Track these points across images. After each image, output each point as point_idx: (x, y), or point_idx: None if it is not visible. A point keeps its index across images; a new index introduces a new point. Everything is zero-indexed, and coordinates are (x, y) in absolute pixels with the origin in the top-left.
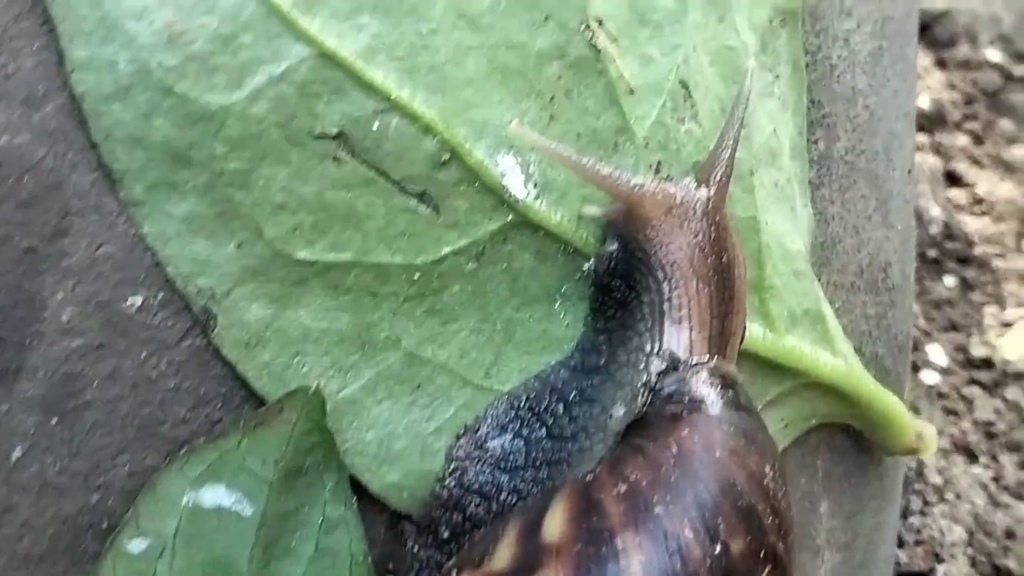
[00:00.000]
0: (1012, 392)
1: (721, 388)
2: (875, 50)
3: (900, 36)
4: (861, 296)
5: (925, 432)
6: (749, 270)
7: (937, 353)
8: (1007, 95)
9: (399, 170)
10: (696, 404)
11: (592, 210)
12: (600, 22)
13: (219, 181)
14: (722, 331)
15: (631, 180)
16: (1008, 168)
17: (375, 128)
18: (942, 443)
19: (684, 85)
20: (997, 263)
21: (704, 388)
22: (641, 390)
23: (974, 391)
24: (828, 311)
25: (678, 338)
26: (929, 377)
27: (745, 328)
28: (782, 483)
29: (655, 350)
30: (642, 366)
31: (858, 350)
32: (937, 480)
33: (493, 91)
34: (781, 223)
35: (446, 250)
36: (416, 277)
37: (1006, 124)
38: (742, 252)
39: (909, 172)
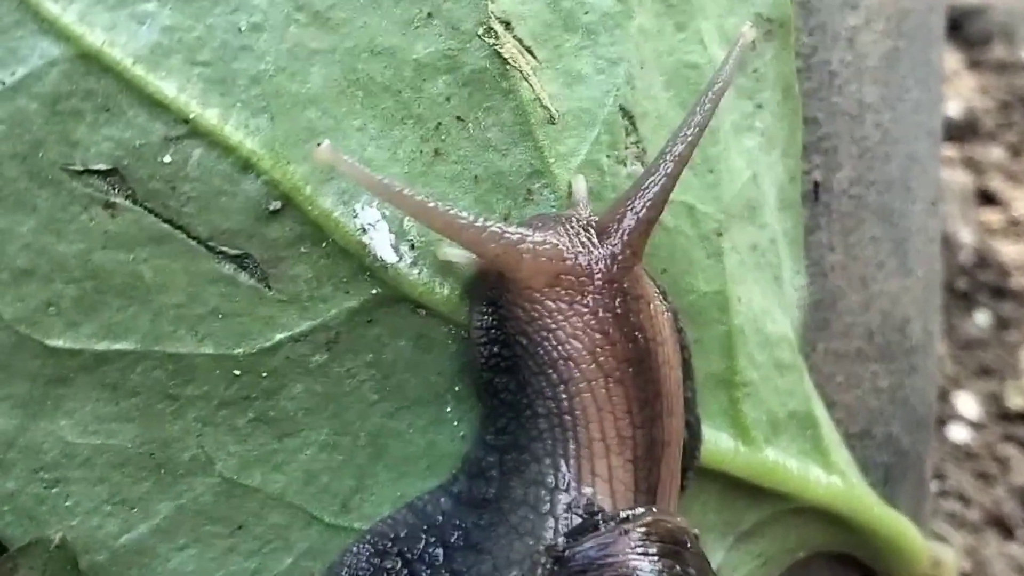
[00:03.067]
0: None
1: (662, 559)
2: (889, 53)
3: (922, 35)
4: (871, 366)
5: (943, 557)
6: (716, 361)
7: (967, 404)
8: None
9: (207, 223)
10: None
11: (451, 255)
12: (507, 24)
13: None
14: (651, 448)
15: (502, 232)
16: None
17: (167, 161)
18: (972, 516)
19: (626, 113)
20: None
21: (635, 559)
22: (543, 558)
23: (1010, 450)
24: (821, 412)
25: (591, 470)
26: (958, 433)
27: (697, 439)
28: None
29: (560, 485)
30: (545, 508)
31: (866, 434)
32: (966, 565)
33: (350, 114)
34: (759, 299)
35: (281, 336)
36: (236, 374)
37: None
38: (667, 326)
39: (934, 204)
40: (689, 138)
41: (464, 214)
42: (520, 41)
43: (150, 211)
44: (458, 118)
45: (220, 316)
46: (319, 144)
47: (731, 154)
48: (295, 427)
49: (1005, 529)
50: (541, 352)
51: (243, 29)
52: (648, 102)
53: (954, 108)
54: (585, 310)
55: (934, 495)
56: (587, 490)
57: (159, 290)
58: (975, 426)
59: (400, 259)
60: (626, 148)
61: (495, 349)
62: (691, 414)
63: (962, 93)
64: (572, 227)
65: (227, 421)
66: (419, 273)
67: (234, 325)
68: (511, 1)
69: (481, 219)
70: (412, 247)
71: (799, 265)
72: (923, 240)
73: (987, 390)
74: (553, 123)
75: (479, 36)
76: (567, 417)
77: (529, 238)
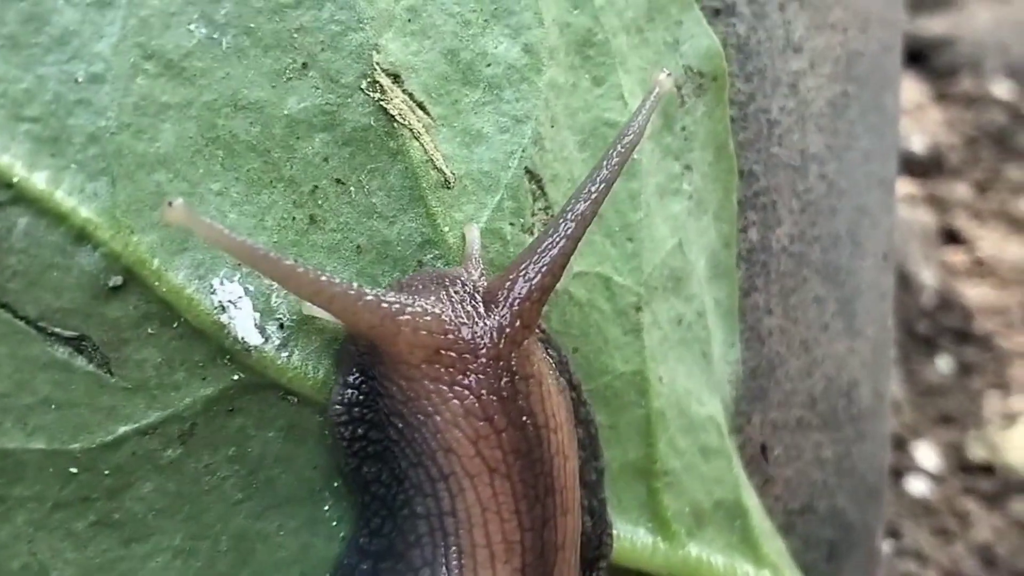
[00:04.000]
0: (1017, 506)
1: None
2: (836, 99)
3: (875, 78)
4: (813, 435)
5: None
6: (633, 449)
7: (926, 455)
8: (1016, 137)
9: (36, 301)
10: None
11: (315, 311)
12: (396, 77)
13: None
14: (542, 555)
15: (378, 300)
16: (1016, 224)
17: None
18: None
19: (533, 176)
20: (1000, 341)
21: None
22: None
23: (970, 504)
24: (751, 500)
25: None
26: (916, 486)
27: (603, 529)
28: None
29: None
30: None
31: (808, 508)
32: None
33: (208, 176)
34: (684, 378)
35: (125, 428)
36: (73, 472)
37: (1014, 172)
38: (561, 410)
39: (886, 259)
40: (594, 195)
41: (336, 281)
42: (411, 96)
43: None
44: (337, 181)
45: (53, 406)
46: (170, 203)
47: (654, 220)
48: (144, 531)
49: None
50: (419, 439)
51: (80, 80)
52: (559, 164)
53: (918, 143)
54: (467, 392)
55: (890, 555)
56: None
57: None
58: (934, 478)
59: (266, 341)
60: (533, 215)
61: (360, 431)
62: (595, 498)
63: (927, 128)
64: (457, 293)
65: (63, 525)
66: (289, 356)
67: (70, 416)
68: (401, 51)
69: (355, 286)
70: (281, 327)
71: (733, 337)
72: (873, 298)
73: (948, 439)
74: (448, 187)
75: (362, 90)
76: (449, 519)
77: (408, 308)
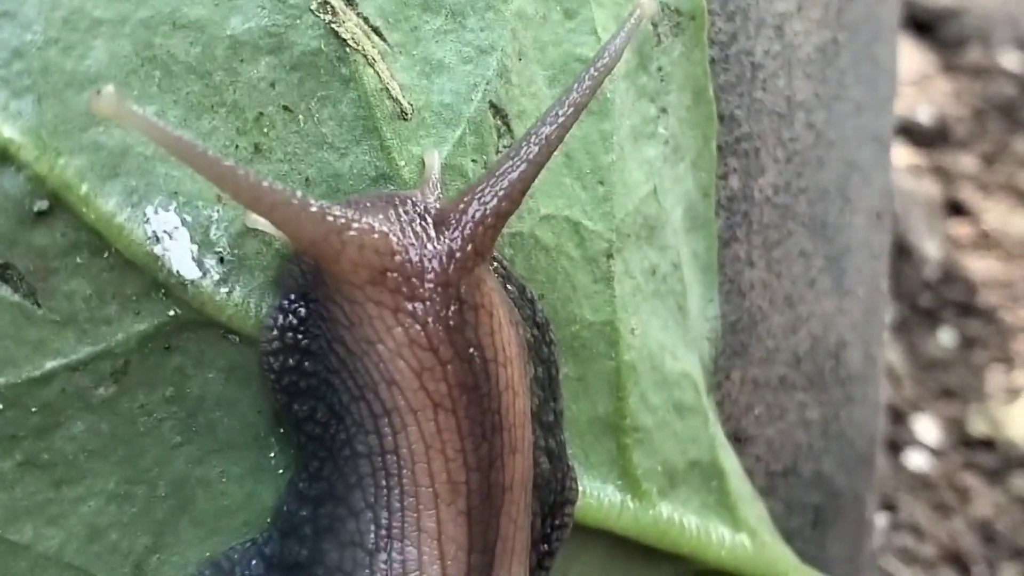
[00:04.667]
0: (1018, 482)
1: None
2: (826, 45)
3: (868, 27)
4: (797, 395)
5: None
6: (602, 403)
7: (927, 428)
8: None
9: None
10: None
11: (260, 223)
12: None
13: None
14: (489, 496)
15: (323, 213)
16: (1023, 197)
17: None
18: (927, 552)
19: (498, 111)
20: (1004, 315)
21: None
22: None
23: (970, 480)
24: (730, 462)
25: (417, 525)
26: (915, 460)
27: (562, 474)
28: None
29: (381, 545)
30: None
31: (791, 471)
32: None
33: (143, 98)
34: (658, 331)
35: (54, 364)
36: None
37: (1022, 144)
38: (512, 344)
39: (880, 217)
40: (560, 119)
41: (279, 187)
42: (366, 20)
43: None
44: (285, 108)
45: None
46: (99, 91)
47: (627, 164)
48: (76, 473)
49: (962, 565)
50: (361, 370)
51: None
52: (527, 99)
53: (925, 114)
54: (412, 320)
55: (885, 529)
56: (410, 551)
57: None
58: (934, 453)
59: (204, 275)
60: (497, 151)
61: (292, 361)
62: (553, 439)
63: (934, 98)
64: (407, 213)
65: None
66: (229, 292)
67: None
68: None
69: (299, 195)
70: (221, 260)
71: (711, 292)
72: (864, 256)
73: (949, 414)
74: (405, 119)
75: (312, 11)
76: (391, 458)
77: (355, 224)
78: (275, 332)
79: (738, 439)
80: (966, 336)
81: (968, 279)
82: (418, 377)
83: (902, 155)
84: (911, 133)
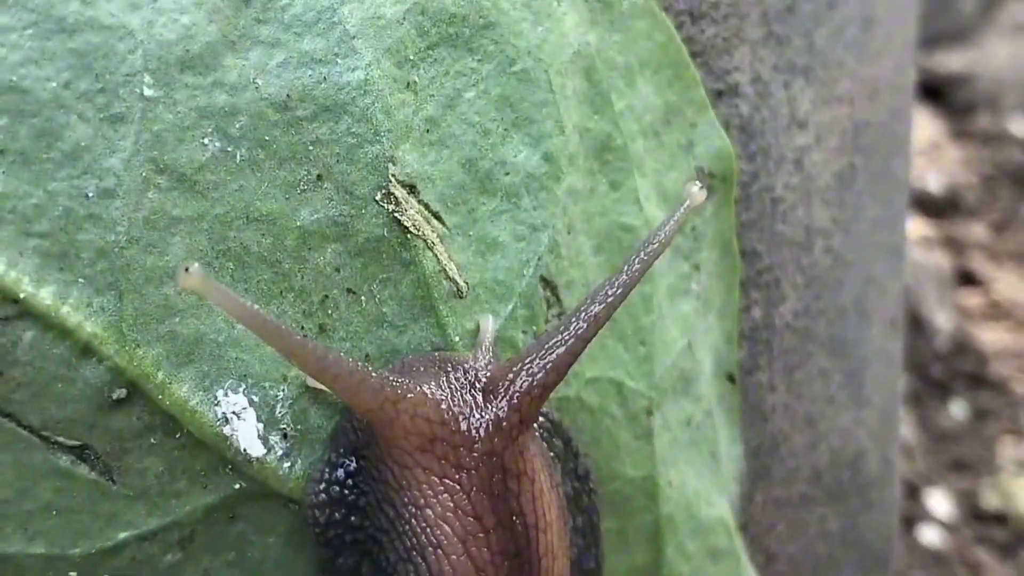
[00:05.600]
0: None
1: None
2: (843, 171)
3: (883, 146)
4: (817, 510)
5: None
6: (641, 554)
7: (939, 503)
8: None
9: (40, 411)
10: None
11: (314, 383)
12: (412, 188)
13: None
14: None
15: (382, 384)
16: None
17: None
18: None
19: (548, 283)
20: (1015, 386)
21: None
22: None
23: (982, 555)
24: None
25: None
26: (928, 535)
27: None
28: None
29: None
30: None
31: None
32: None
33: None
34: (694, 480)
35: (125, 535)
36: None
37: None
38: (553, 508)
39: (893, 324)
40: (610, 299)
41: (342, 358)
42: (427, 206)
43: None
44: (349, 290)
45: (54, 512)
46: (187, 268)
47: (665, 322)
48: None
49: None
50: (409, 532)
51: (91, 195)
52: (575, 269)
53: (935, 182)
54: (458, 487)
55: None
56: None
57: None
58: (947, 527)
59: (269, 451)
60: (546, 321)
61: (337, 515)
62: None
63: (943, 166)
64: (458, 380)
65: None
66: (291, 467)
67: (71, 522)
68: (418, 162)
69: (360, 366)
70: (284, 436)
71: (735, 432)
72: (881, 365)
73: (961, 487)
74: (460, 296)
75: (376, 201)
76: None
77: (409, 393)
78: (322, 485)
79: (762, 558)
80: (977, 408)
81: (979, 350)
82: (463, 543)
83: (913, 227)
84: (922, 204)
